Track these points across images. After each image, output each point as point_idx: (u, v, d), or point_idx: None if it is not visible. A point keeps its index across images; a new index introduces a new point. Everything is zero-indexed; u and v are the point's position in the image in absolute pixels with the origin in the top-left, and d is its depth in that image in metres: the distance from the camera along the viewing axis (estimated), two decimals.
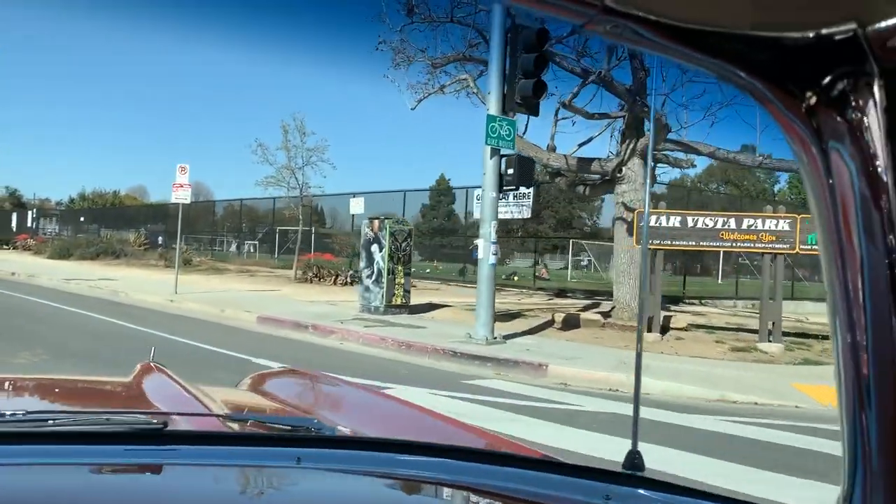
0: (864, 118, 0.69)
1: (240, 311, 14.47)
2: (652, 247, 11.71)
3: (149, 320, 13.24)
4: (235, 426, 1.50)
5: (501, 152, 10.73)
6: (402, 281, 14.73)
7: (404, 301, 14.81)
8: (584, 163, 15.08)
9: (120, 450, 1.22)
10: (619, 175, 14.45)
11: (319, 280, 22.72)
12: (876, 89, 0.67)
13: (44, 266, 28.08)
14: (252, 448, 1.32)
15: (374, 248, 14.73)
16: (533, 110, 10.88)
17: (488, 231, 10.77)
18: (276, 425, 1.51)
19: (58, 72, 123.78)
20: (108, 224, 49.03)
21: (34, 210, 59.21)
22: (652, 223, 11.65)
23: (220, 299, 16.52)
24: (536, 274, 29.55)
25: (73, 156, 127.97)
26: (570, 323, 13.48)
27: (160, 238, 42.40)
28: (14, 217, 56.20)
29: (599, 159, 15.16)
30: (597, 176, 15.54)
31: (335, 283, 22.10)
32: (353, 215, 29.22)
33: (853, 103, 0.68)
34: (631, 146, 14.09)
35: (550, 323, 13.68)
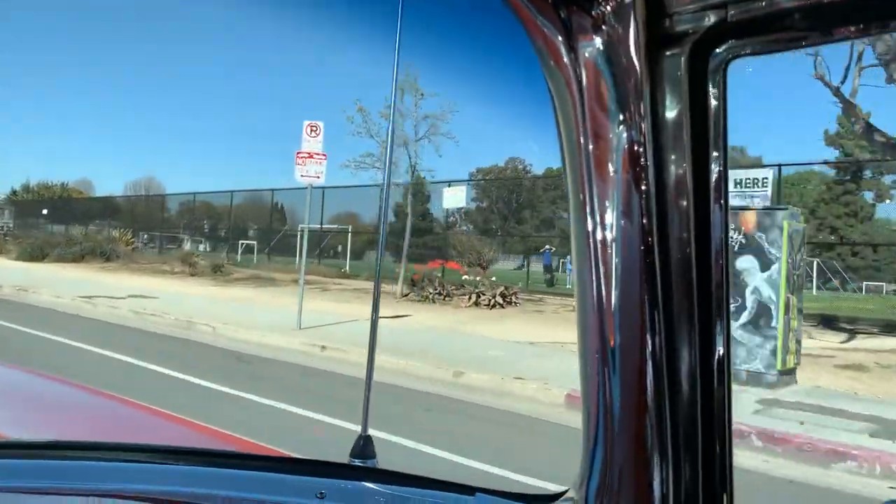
0: (618, 18, 0.64)
1: (500, 378, 7.83)
2: None
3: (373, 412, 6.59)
4: None
5: None
6: (796, 324, 8.03)
7: (797, 362, 8.14)
8: None
9: None
10: None
11: (444, 299, 16.15)
12: None
13: (21, 272, 20.70)
14: None
15: (747, 262, 7.92)
16: None
17: None
18: None
19: None
20: (58, 219, 41.83)
21: None
22: None
23: (389, 342, 9.78)
24: None
25: (6, 145, 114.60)
26: None
27: (144, 236, 35.77)
28: None
29: None
30: None
31: (475, 303, 15.54)
32: (446, 210, 23.01)
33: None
34: None
35: None
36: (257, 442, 1.53)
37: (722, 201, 0.69)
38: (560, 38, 0.66)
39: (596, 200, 0.67)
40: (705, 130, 0.68)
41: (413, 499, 0.98)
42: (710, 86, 0.68)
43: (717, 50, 0.67)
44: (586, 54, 0.65)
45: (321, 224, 29.15)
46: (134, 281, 19.72)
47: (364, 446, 1.05)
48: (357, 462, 1.05)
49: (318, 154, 10.91)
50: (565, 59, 0.66)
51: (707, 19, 0.64)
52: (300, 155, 10.90)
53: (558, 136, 0.70)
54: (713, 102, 0.68)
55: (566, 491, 0.80)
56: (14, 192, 64.23)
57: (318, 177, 11.00)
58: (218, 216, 36.14)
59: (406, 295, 16.75)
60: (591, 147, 0.67)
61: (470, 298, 15.78)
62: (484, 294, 15.68)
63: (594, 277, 0.68)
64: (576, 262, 0.70)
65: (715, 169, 0.69)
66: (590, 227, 0.68)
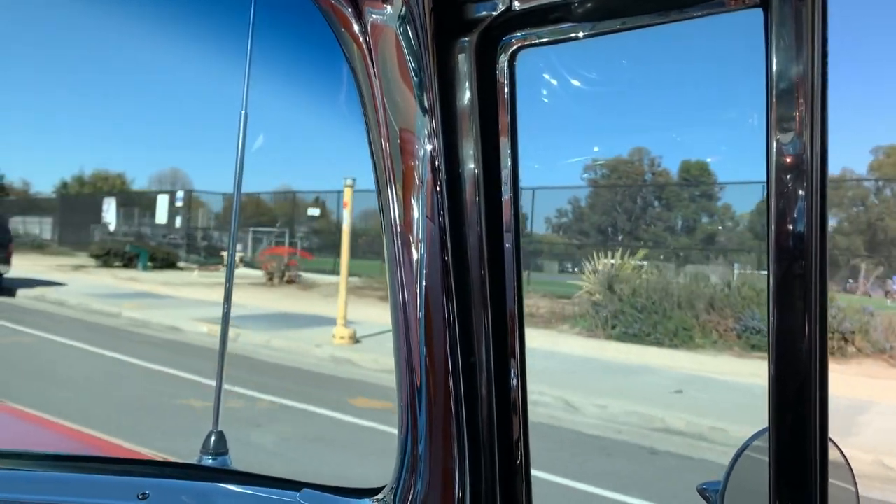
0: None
1: None
2: None
3: None
4: None
5: None
6: None
7: None
8: None
9: None
10: None
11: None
12: None
13: None
14: None
15: None
16: None
17: None
18: None
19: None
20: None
21: (179, 195, 29.00)
22: None
23: None
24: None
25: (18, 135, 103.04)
26: None
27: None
28: (165, 208, 26.95)
29: None
30: None
31: None
32: None
33: None
34: None
35: None
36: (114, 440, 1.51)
37: (512, 193, 0.73)
38: (349, 10, 0.69)
39: (392, 184, 0.71)
40: (496, 120, 0.71)
41: (237, 495, 0.98)
42: (500, 74, 0.71)
43: (505, 38, 0.70)
44: (376, 29, 0.67)
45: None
46: None
47: (214, 442, 1.05)
48: (208, 458, 1.05)
49: None
50: (355, 28, 0.69)
51: (493, 7, 0.67)
52: None
53: (365, 121, 0.71)
54: (504, 91, 0.71)
55: (384, 487, 0.83)
56: (65, 186, 57.48)
57: None
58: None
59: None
60: (390, 129, 0.69)
61: None
62: None
63: (401, 283, 0.72)
64: (387, 264, 0.74)
65: (506, 158, 0.72)
66: (393, 224, 0.72)
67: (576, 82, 0.77)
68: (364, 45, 0.68)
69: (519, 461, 0.77)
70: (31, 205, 44.11)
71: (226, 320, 1.03)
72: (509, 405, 0.76)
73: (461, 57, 0.69)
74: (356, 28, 0.68)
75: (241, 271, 22.52)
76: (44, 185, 60.11)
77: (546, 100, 0.79)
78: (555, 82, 0.76)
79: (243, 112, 0.93)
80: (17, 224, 36.23)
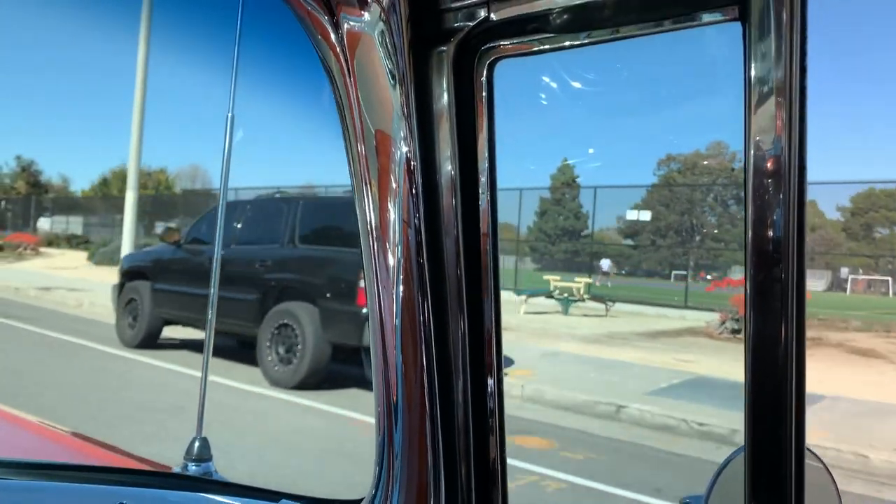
0: (384, 10, 0.67)
1: None
2: None
3: None
4: None
5: None
6: None
7: None
8: None
9: None
10: None
11: None
12: None
13: None
14: None
15: None
16: None
17: None
18: None
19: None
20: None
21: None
22: None
23: None
24: None
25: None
26: None
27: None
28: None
29: None
30: None
31: None
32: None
33: None
34: None
35: None
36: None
37: (490, 199, 0.73)
38: (325, 17, 0.69)
39: (369, 189, 0.71)
40: (473, 128, 0.72)
41: None
42: (478, 84, 0.71)
43: (483, 48, 0.71)
44: (353, 38, 0.68)
45: None
46: None
47: (200, 448, 1.03)
48: (191, 465, 1.03)
49: None
50: (332, 37, 0.69)
51: (470, 18, 0.68)
52: None
53: (342, 126, 0.72)
54: (482, 100, 0.72)
55: (363, 498, 0.83)
56: (105, 182, 50.73)
57: None
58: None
59: None
60: (367, 135, 0.70)
61: None
62: None
63: (377, 287, 0.72)
64: (364, 267, 0.74)
65: (484, 163, 0.72)
66: (369, 229, 0.72)
67: (552, 91, 0.76)
68: (341, 54, 0.69)
69: (495, 468, 0.76)
70: (73, 203, 40.71)
71: (211, 325, 1.06)
72: (486, 411, 0.76)
73: (439, 66, 0.69)
74: (333, 37, 0.69)
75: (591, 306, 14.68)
76: (77, 183, 57.71)
77: (525, 108, 0.79)
78: (533, 91, 0.77)
79: (229, 115, 0.93)
80: (93, 228, 30.70)
